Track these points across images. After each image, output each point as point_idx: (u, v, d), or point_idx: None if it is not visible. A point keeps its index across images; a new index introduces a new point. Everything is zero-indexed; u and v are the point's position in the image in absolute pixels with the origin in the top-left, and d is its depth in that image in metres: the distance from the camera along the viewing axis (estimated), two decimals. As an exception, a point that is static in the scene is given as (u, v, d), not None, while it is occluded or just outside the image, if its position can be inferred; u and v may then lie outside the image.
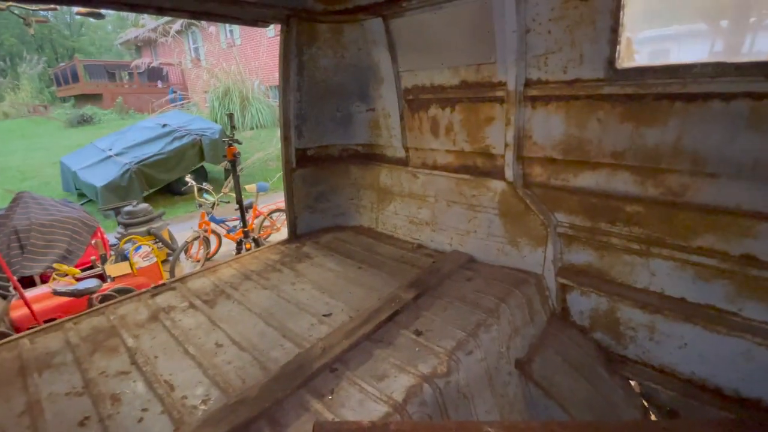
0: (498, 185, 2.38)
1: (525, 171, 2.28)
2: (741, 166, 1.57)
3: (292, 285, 2.29)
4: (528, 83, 2.07)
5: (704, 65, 1.52)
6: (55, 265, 5.26)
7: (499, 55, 2.09)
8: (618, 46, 1.70)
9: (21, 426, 1.34)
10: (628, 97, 1.76)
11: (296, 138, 2.84)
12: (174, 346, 1.75)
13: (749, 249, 1.62)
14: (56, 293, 4.23)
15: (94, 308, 2.06)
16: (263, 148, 13.06)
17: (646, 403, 2.14)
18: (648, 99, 1.71)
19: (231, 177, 5.74)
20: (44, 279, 5.27)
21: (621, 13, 1.63)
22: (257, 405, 1.34)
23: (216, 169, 11.55)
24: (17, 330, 3.80)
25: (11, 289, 4.59)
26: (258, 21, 2.47)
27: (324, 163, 3.04)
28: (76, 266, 5.50)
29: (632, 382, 2.18)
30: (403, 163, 2.90)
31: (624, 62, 1.73)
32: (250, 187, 6.73)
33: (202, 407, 1.39)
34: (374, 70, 2.77)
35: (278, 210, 6.66)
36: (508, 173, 2.30)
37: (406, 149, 2.86)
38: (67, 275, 5.07)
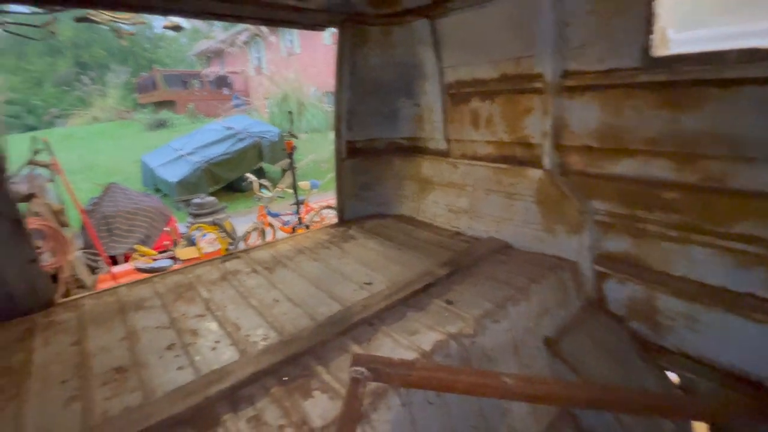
0: (535, 173, 2.47)
1: (562, 159, 2.36)
2: None
3: (339, 259, 2.55)
4: (565, 74, 2.16)
5: (739, 51, 1.55)
6: (135, 246, 6.05)
7: (538, 48, 2.20)
8: (652, 36, 1.75)
9: (122, 347, 1.69)
10: (663, 84, 1.80)
11: (346, 131, 3.12)
12: (239, 299, 2.06)
13: None
14: (137, 269, 4.92)
15: (175, 269, 2.46)
16: (316, 150, 13.75)
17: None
18: (683, 86, 1.75)
19: (286, 175, 6.23)
20: (126, 258, 6.08)
21: (654, 3, 1.69)
22: (306, 343, 1.58)
23: (273, 169, 12.35)
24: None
25: (101, 264, 5.38)
26: (316, 25, 2.79)
27: (370, 155, 3.30)
28: (153, 248, 6.26)
29: (668, 373, 2.16)
30: (444, 154, 3.07)
31: (658, 51, 1.78)
32: (303, 184, 7.21)
33: (262, 342, 1.67)
34: (419, 68, 2.98)
35: (328, 207, 7.07)
36: (546, 162, 2.39)
37: (448, 141, 3.02)
38: (145, 255, 5.80)
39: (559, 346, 2.03)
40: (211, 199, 7.56)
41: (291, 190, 6.65)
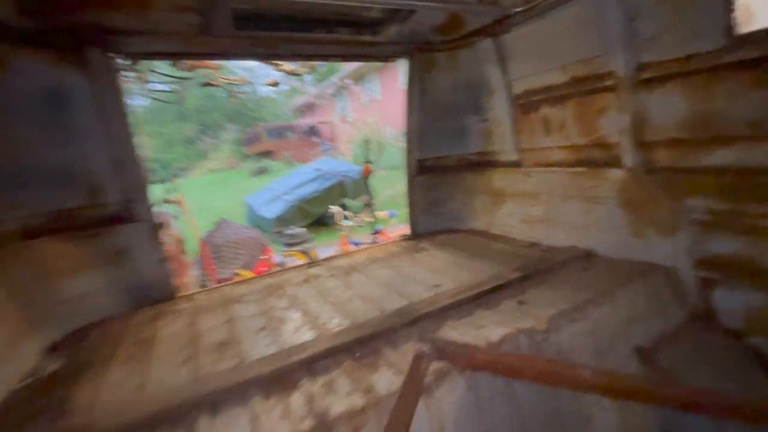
0: (616, 174, 2.33)
1: (646, 156, 2.20)
2: None
3: (409, 266, 2.64)
4: (640, 67, 2.07)
5: None
6: (238, 271, 6.87)
7: (607, 46, 2.16)
8: (734, 13, 1.63)
9: (224, 329, 1.98)
10: (754, 61, 1.64)
11: (417, 150, 3.31)
12: (319, 297, 2.27)
13: None
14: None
15: (267, 273, 2.80)
16: (393, 186, 14.32)
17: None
18: None
19: (366, 208, 6.65)
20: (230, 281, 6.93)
21: (731, -23, 1.60)
22: (375, 328, 1.68)
23: (354, 204, 13.13)
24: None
25: (210, 284, 6.19)
26: (389, 57, 3.11)
27: (440, 171, 3.41)
28: (252, 272, 7.04)
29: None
30: (516, 164, 3.05)
31: (744, 27, 1.64)
32: (381, 214, 7.57)
33: (337, 328, 1.81)
34: (486, 84, 3.09)
35: (404, 236, 7.28)
36: (627, 160, 2.25)
37: (519, 151, 3.01)
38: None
39: (655, 357, 1.81)
40: (302, 230, 8.34)
41: (370, 219, 7.02)
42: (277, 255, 8.15)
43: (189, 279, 5.82)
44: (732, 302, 1.94)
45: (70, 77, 2.00)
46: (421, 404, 1.30)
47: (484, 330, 1.66)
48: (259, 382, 1.41)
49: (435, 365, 1.39)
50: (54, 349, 1.90)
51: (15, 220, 1.98)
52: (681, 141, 2.01)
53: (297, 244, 8.05)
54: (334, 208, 7.78)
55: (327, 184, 12.99)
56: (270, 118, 31.50)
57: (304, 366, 1.49)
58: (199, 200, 18.03)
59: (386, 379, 1.38)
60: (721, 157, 1.87)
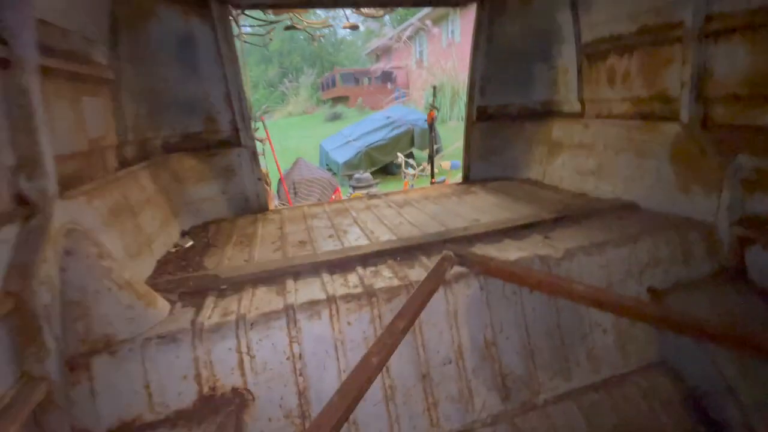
0: (672, 128, 2.35)
1: (704, 112, 2.20)
2: None
3: (456, 205, 2.98)
4: (709, 18, 2.03)
5: None
6: (312, 204, 7.74)
7: (678, -7, 2.12)
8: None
9: (303, 233, 2.55)
10: None
11: (479, 97, 3.47)
12: (376, 220, 2.74)
13: None
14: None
15: (336, 200, 3.34)
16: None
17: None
18: None
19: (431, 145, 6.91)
20: (305, 214, 7.85)
21: None
22: (415, 242, 2.12)
23: (422, 155, 13.30)
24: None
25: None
26: (459, 2, 3.22)
27: (501, 119, 3.56)
28: (323, 207, 7.88)
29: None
30: (578, 116, 3.10)
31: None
32: (444, 164, 7.78)
33: (385, 240, 2.28)
34: (557, 32, 3.08)
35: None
36: (684, 115, 2.26)
37: (582, 102, 3.04)
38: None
39: (666, 298, 2.01)
40: (367, 175, 8.93)
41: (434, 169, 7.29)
42: (344, 196, 8.91)
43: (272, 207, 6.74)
44: (764, 260, 2.01)
45: (196, 25, 2.55)
46: (441, 294, 1.73)
47: (505, 252, 1.99)
48: (327, 265, 1.95)
49: (456, 269, 1.79)
50: (184, 234, 2.65)
51: (158, 138, 2.69)
52: (740, 97, 1.99)
53: (363, 187, 8.70)
54: (400, 155, 8.15)
55: (396, 132, 13.24)
56: (347, 63, 31.65)
57: (359, 259, 1.99)
58: (278, 141, 19.53)
59: (417, 273, 1.82)
60: (779, 115, 1.86)
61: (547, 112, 3.41)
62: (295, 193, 8.66)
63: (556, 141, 3.27)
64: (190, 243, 2.45)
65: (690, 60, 2.14)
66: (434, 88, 6.18)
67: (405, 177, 7.94)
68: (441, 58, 18.82)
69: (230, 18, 2.64)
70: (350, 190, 8.85)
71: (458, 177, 8.63)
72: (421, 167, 8.00)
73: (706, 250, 2.16)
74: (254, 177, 3.02)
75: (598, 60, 2.82)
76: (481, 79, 3.41)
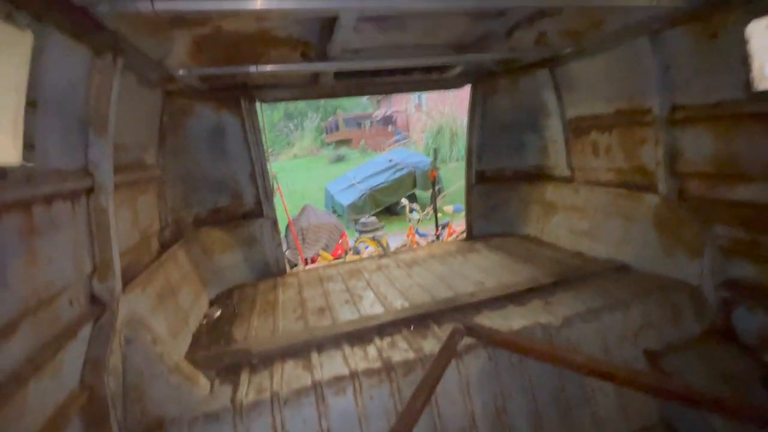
0: (653, 199, 2.61)
1: (679, 185, 2.46)
2: None
3: (461, 264, 3.20)
4: (675, 108, 2.34)
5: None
6: (320, 252, 7.95)
7: (646, 87, 2.45)
8: (752, 72, 1.88)
9: (322, 298, 2.76)
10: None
11: (477, 162, 3.80)
12: (388, 282, 2.96)
13: None
14: (322, 267, 6.52)
15: (351, 260, 3.57)
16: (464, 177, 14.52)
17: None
18: None
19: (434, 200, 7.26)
20: (313, 260, 8.05)
21: (747, 46, 1.84)
22: (427, 310, 2.32)
23: (424, 194, 13.69)
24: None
25: (299, 260, 7.32)
26: (456, 85, 3.62)
27: (498, 181, 3.86)
28: (331, 255, 8.08)
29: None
30: (568, 180, 3.38)
31: (760, 84, 1.88)
32: (448, 208, 8.08)
33: (399, 307, 2.48)
34: (543, 107, 3.44)
35: (461, 238, 7.72)
36: (662, 188, 2.53)
37: (571, 169, 3.34)
38: (325, 260, 7.57)
39: (661, 360, 2.17)
40: (373, 219, 9.20)
41: (438, 213, 7.59)
42: (351, 239, 9.13)
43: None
44: (749, 322, 2.19)
45: (227, 118, 2.92)
46: (453, 366, 1.91)
47: (510, 321, 2.19)
48: (347, 336, 2.14)
49: (466, 340, 1.98)
50: (212, 303, 2.87)
51: (190, 215, 2.98)
52: (709, 175, 2.26)
53: (369, 231, 8.95)
54: (404, 200, 8.48)
55: (399, 174, 13.74)
56: (349, 107, 33.05)
57: (375, 329, 2.19)
58: (285, 184, 20.13)
59: (431, 344, 2.01)
60: (742, 192, 2.11)
61: (540, 175, 3.71)
62: (303, 240, 8.92)
63: (550, 202, 3.54)
64: (218, 312, 2.66)
65: (661, 141, 2.44)
66: (435, 151, 6.59)
67: (410, 221, 8.21)
68: (439, 103, 19.74)
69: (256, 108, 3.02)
70: (356, 234, 9.09)
71: (461, 219, 8.91)
72: (426, 212, 8.30)
73: (695, 311, 2.34)
74: (274, 244, 3.28)
75: (582, 134, 3.15)
76: (478, 147, 3.74)
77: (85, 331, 1.49)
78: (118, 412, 1.49)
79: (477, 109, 3.63)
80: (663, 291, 2.37)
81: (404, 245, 7.66)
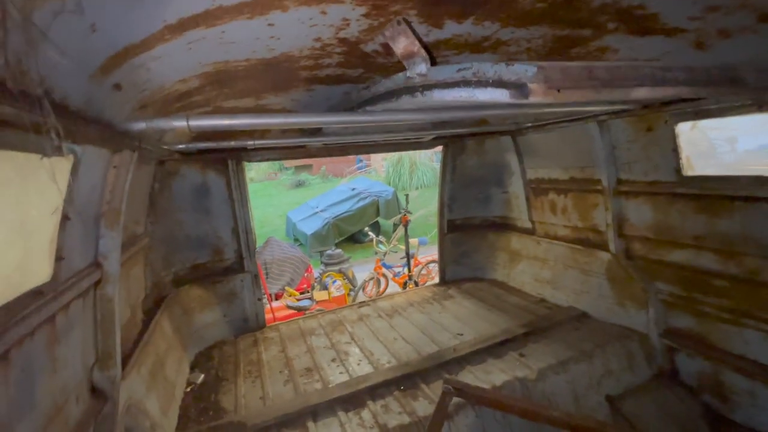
0: (605, 256, 2.98)
1: (626, 246, 2.85)
2: None
3: (439, 313, 3.39)
4: (619, 182, 2.75)
5: (746, 177, 2.02)
6: (286, 288, 7.81)
7: (595, 161, 2.85)
8: (681, 161, 2.30)
9: (307, 356, 2.80)
10: (697, 196, 2.29)
11: (448, 212, 4.08)
12: (371, 335, 3.06)
13: None
14: (288, 306, 6.47)
15: (332, 310, 3.63)
16: (425, 205, 15.07)
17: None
18: (713, 198, 2.22)
19: (398, 230, 7.51)
20: (277, 297, 7.88)
21: (678, 140, 2.27)
22: (415, 368, 2.45)
23: (387, 223, 13.96)
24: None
25: (265, 300, 7.15)
26: (429, 147, 3.91)
27: (468, 229, 4.15)
28: (296, 290, 7.96)
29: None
30: (530, 232, 3.74)
31: (688, 172, 2.30)
32: (412, 241, 8.33)
33: (387, 364, 2.59)
34: (506, 167, 3.83)
35: (433, 261, 8.00)
36: (612, 247, 2.91)
37: (532, 222, 3.71)
38: (291, 296, 7.46)
39: (621, 404, 2.45)
40: (339, 251, 9.21)
41: (402, 246, 7.83)
42: (315, 270, 9.05)
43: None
44: (690, 366, 2.55)
45: (212, 177, 2.94)
46: (445, 427, 2.04)
47: (491, 376, 2.38)
48: (340, 401, 2.21)
49: (455, 400, 2.13)
50: (192, 366, 2.79)
51: (170, 275, 2.92)
52: (650, 239, 2.66)
53: (335, 263, 8.95)
54: (371, 234, 8.65)
55: (362, 203, 13.94)
56: (308, 132, 33.21)
57: (367, 392, 2.28)
58: (243, 211, 19.54)
59: (423, 406, 2.14)
60: (677, 256, 2.51)
61: (505, 225, 4.06)
62: (267, 274, 8.71)
63: (515, 250, 3.88)
64: (201, 377, 2.60)
65: (610, 207, 2.83)
66: (407, 196, 6.94)
67: (377, 254, 8.36)
68: (399, 133, 20.46)
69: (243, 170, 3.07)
70: (322, 266, 9.04)
71: (428, 251, 9.22)
72: (392, 244, 8.50)
73: (645, 357, 2.68)
74: (255, 298, 3.27)
75: (541, 193, 3.53)
76: (448, 199, 4.04)
77: (89, 425, 1.46)
78: None
79: (448, 166, 3.94)
80: (619, 339, 2.70)
81: (372, 278, 7.77)
